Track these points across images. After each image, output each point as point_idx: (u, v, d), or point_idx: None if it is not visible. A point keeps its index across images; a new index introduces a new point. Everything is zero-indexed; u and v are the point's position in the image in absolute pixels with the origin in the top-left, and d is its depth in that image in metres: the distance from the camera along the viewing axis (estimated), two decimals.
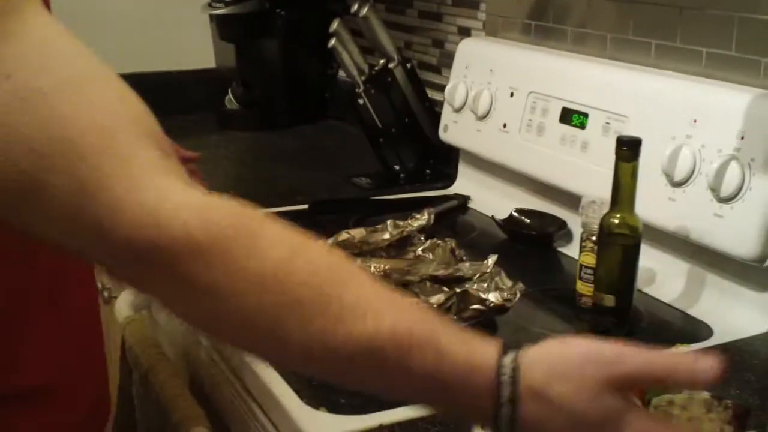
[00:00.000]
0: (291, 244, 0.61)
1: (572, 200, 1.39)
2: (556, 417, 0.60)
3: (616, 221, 1.08)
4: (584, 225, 1.19)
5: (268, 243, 0.60)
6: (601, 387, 0.60)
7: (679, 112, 1.20)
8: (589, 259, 1.18)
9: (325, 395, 0.95)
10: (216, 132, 2.18)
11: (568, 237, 1.44)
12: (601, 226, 1.10)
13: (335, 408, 0.92)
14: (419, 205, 1.58)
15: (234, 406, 1.09)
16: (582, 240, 1.20)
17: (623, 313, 1.10)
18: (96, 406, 0.98)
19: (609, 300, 1.09)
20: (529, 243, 1.46)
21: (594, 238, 1.17)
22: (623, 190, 1.07)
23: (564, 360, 0.61)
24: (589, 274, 1.18)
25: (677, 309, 1.20)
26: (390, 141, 1.77)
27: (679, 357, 0.65)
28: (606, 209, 1.15)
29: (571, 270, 1.25)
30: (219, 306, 0.59)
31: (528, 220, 1.50)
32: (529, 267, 1.37)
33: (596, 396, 0.60)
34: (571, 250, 1.40)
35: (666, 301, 1.22)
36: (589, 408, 0.60)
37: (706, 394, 0.87)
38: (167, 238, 0.56)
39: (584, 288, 1.19)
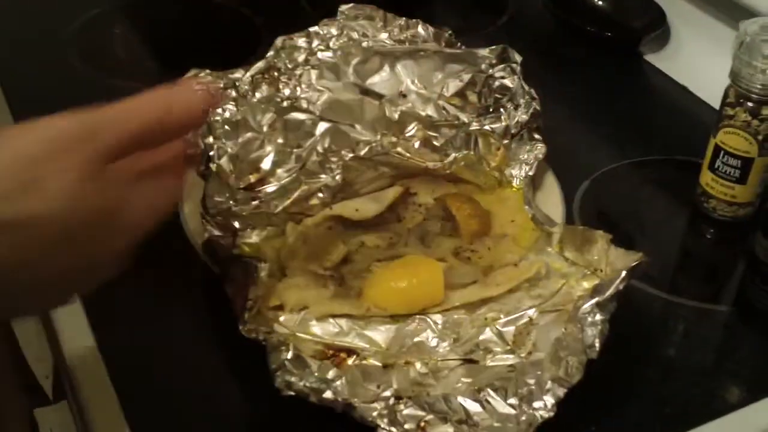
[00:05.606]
0: None
1: None
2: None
3: None
4: (735, 75, 0.65)
5: None
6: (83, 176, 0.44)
7: None
8: (736, 141, 0.65)
9: None
10: None
11: (662, 39, 0.88)
12: None
13: None
14: None
15: None
16: (725, 99, 0.66)
17: None
18: None
19: None
20: (595, 44, 0.90)
21: (751, 105, 0.63)
22: None
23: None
24: (733, 166, 0.66)
25: None
26: None
27: (166, 93, 0.48)
28: None
29: (673, 102, 0.82)
30: None
31: (599, 1, 0.92)
32: (598, 94, 0.85)
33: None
34: (667, 65, 0.86)
35: None
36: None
37: None
38: None
39: (716, 185, 0.68)
